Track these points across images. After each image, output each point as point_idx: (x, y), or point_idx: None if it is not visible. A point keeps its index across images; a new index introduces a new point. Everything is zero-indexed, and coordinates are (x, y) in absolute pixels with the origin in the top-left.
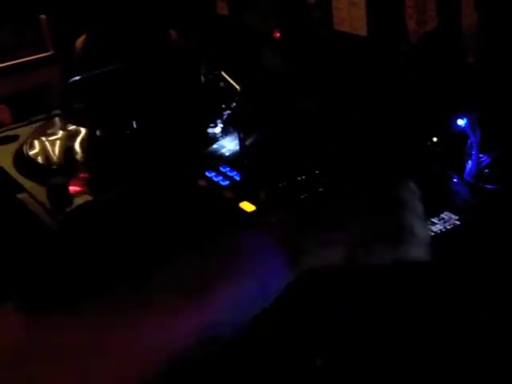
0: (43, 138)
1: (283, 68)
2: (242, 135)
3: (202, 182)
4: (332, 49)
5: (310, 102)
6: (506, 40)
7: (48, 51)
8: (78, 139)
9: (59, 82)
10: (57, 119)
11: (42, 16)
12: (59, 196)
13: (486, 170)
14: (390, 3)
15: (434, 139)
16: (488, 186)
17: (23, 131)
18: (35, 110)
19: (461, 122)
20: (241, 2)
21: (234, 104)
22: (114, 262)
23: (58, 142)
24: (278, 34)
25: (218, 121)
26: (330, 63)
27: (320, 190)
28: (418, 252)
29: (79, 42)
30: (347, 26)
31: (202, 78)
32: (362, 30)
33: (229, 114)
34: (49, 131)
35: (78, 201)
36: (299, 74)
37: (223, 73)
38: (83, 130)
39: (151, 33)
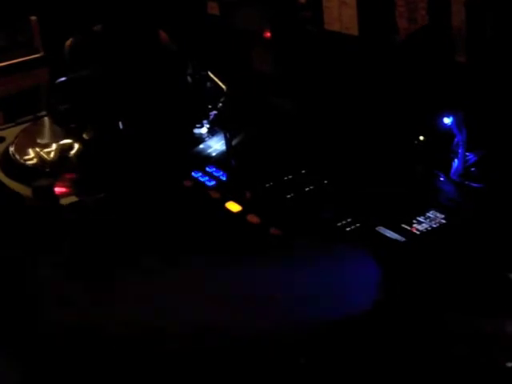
0: (30, 140)
1: (273, 68)
2: (228, 135)
3: (188, 182)
4: (322, 48)
5: (290, 101)
6: (495, 39)
7: (38, 53)
8: (65, 141)
9: (49, 84)
10: (43, 120)
11: (33, 18)
12: (45, 197)
13: (473, 169)
14: (381, 2)
15: (421, 138)
16: (474, 185)
17: (10, 132)
18: (25, 111)
19: (447, 121)
20: (232, 2)
21: (221, 104)
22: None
23: (44, 144)
24: (269, 34)
25: (205, 121)
26: (320, 62)
27: (306, 189)
28: None
29: (68, 43)
30: (338, 25)
31: (189, 78)
32: (353, 29)
33: (215, 114)
34: (35, 133)
35: (64, 202)
36: (285, 74)
37: (210, 73)
38: (70, 132)
39: (141, 34)
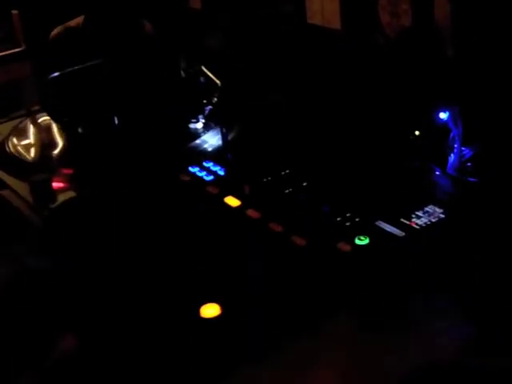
0: (25, 135)
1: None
2: (224, 130)
3: (185, 177)
4: (305, 42)
5: (279, 95)
6: (481, 31)
7: (20, 47)
8: (60, 135)
9: (31, 78)
10: (37, 115)
11: (14, 12)
12: (43, 192)
13: (469, 163)
14: None
15: (417, 133)
16: (471, 179)
17: (3, 128)
18: (7, 105)
19: (443, 116)
20: None
21: (216, 99)
22: (99, 257)
23: (39, 138)
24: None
25: (200, 116)
26: (303, 56)
27: (304, 184)
28: None
29: (53, 34)
30: (320, 19)
31: (183, 73)
32: (335, 23)
33: (210, 109)
34: (30, 127)
35: (62, 197)
36: (270, 68)
37: (203, 68)
38: (63, 126)
39: (132, 27)
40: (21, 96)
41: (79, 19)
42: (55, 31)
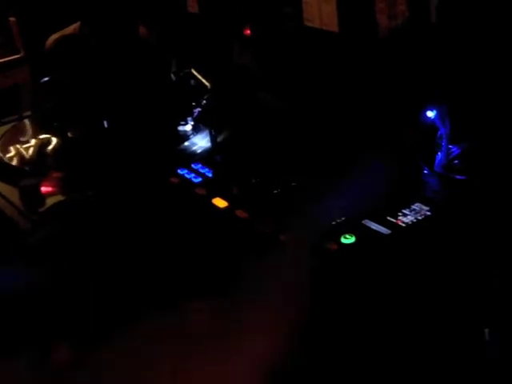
0: (15, 140)
1: (253, 65)
2: (213, 132)
3: (174, 180)
4: (302, 44)
5: (275, 97)
6: (474, 32)
7: (19, 53)
8: (50, 140)
9: (29, 84)
10: (28, 120)
11: (12, 19)
12: (32, 197)
13: (456, 161)
14: None
15: (405, 131)
16: (458, 177)
17: None
18: (6, 111)
19: (430, 114)
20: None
21: (205, 101)
22: (88, 260)
23: (29, 143)
24: (248, 31)
25: (189, 118)
26: (299, 58)
27: (292, 184)
28: None
29: (49, 41)
30: (318, 21)
31: (172, 76)
32: (332, 25)
33: (199, 111)
34: (20, 132)
35: (51, 201)
36: (267, 71)
37: (193, 70)
38: (53, 130)
39: (124, 32)
40: (19, 102)
41: (75, 25)
42: (51, 38)
